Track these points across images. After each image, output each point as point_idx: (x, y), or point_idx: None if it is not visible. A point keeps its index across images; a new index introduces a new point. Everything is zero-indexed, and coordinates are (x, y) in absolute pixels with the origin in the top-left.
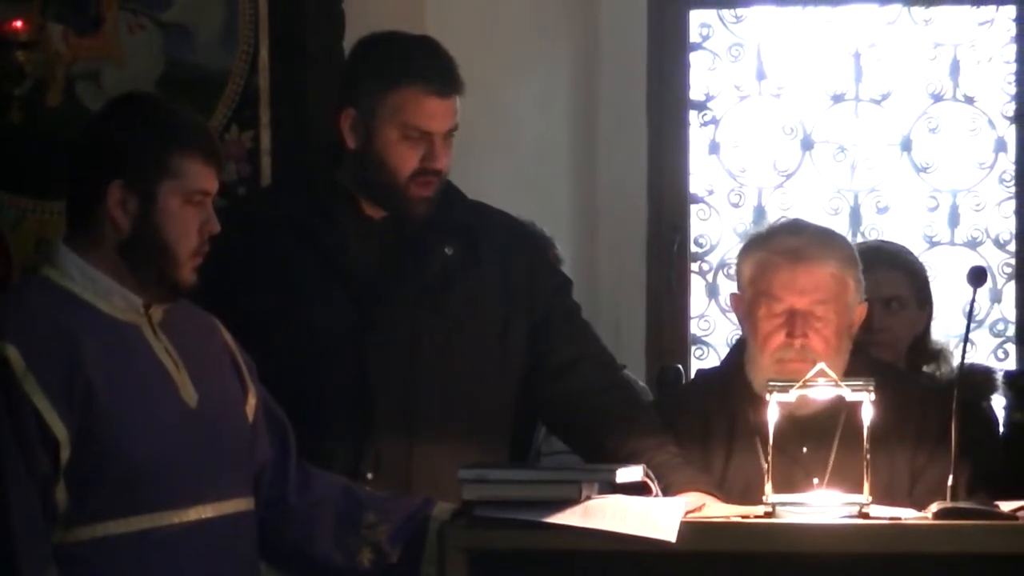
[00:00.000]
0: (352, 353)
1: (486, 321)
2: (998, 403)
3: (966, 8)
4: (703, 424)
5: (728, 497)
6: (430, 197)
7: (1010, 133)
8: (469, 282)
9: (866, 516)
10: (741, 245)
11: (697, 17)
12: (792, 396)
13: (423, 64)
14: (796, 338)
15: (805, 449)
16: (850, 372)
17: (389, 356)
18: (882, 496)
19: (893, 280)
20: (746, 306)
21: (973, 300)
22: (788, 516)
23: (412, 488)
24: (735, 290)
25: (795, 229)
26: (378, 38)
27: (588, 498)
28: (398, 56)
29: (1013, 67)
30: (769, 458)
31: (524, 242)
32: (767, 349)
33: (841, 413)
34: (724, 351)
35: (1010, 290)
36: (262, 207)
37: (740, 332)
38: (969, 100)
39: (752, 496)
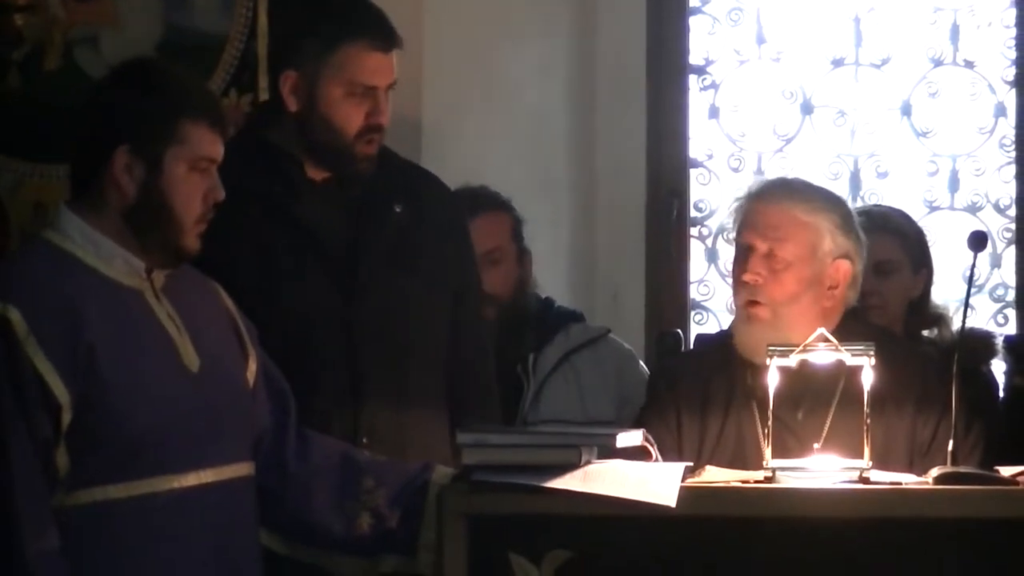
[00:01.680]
0: (339, 326)
1: (445, 276)
2: (998, 368)
3: None
4: (702, 389)
5: (719, 461)
6: (374, 155)
7: (1010, 98)
8: (421, 239)
9: (866, 481)
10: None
11: None
12: (793, 360)
13: (363, 20)
14: (746, 273)
15: (800, 415)
16: (842, 336)
17: (373, 322)
18: (877, 461)
19: (882, 244)
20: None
21: (973, 265)
22: (788, 481)
23: (407, 453)
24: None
25: (776, 178)
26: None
27: (588, 463)
28: (336, 15)
29: (1013, 31)
30: (769, 423)
31: (456, 203)
32: (736, 298)
33: (840, 378)
34: (724, 316)
35: (1010, 255)
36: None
37: None
38: (969, 64)
39: (741, 460)
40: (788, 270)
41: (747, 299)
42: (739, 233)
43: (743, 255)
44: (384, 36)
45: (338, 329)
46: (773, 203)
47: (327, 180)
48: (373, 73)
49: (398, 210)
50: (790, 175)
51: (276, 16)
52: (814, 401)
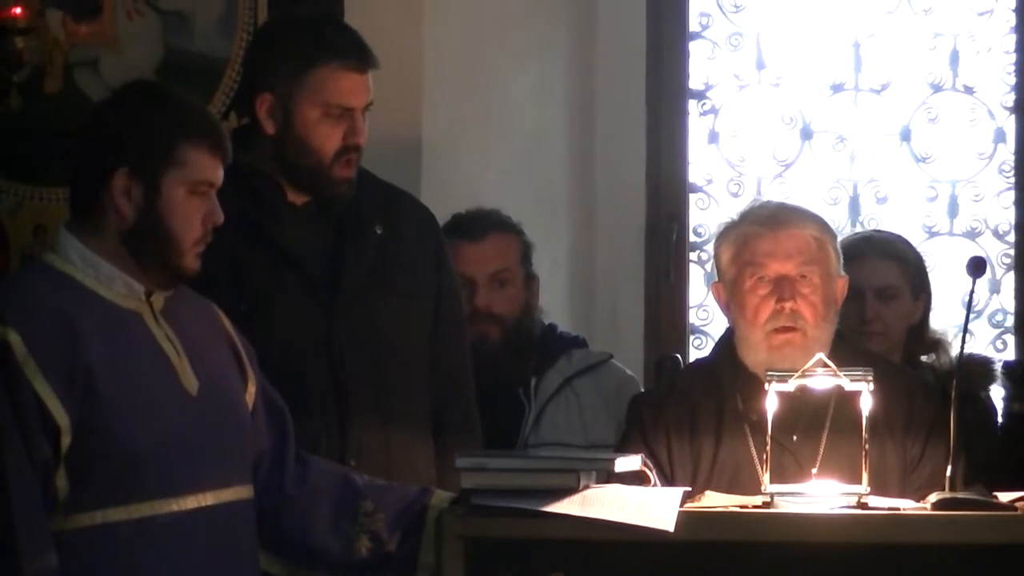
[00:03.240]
0: (322, 348)
1: (425, 292)
2: (996, 394)
3: None
4: (690, 413)
5: (717, 486)
6: (352, 178)
7: (1009, 123)
8: (401, 258)
9: (864, 506)
10: (716, 237)
11: (696, 6)
12: (791, 386)
13: (337, 41)
14: (786, 302)
15: (795, 437)
16: (835, 361)
17: (356, 344)
18: (871, 486)
19: (885, 269)
20: (729, 287)
21: (972, 290)
22: (786, 506)
23: (391, 473)
24: (716, 281)
25: (765, 203)
26: (284, 21)
27: (586, 487)
28: (310, 36)
29: (1013, 57)
30: (767, 447)
31: (432, 220)
32: (758, 321)
33: (831, 402)
34: None
35: (1009, 280)
36: None
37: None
38: (969, 90)
39: (740, 484)
40: (815, 293)
41: (780, 326)
42: (755, 258)
43: (768, 283)
44: (359, 56)
45: (321, 350)
46: (792, 229)
47: (306, 203)
48: (349, 94)
49: (379, 231)
50: (774, 199)
51: (251, 38)
52: (811, 423)
